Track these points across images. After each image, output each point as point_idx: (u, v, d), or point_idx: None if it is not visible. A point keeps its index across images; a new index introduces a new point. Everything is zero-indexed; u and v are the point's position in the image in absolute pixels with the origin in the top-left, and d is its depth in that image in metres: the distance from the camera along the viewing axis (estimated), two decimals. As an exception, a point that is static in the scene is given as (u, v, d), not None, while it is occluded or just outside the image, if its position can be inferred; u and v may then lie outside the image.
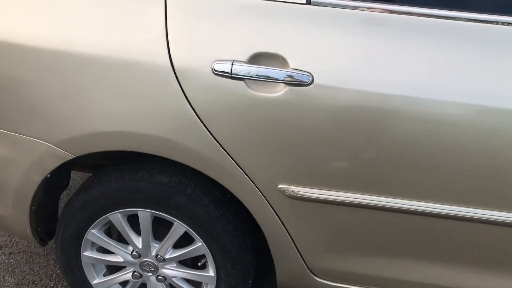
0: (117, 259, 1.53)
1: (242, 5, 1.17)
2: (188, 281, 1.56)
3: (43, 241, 1.60)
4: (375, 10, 1.14)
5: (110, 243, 1.49)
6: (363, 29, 1.14)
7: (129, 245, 1.50)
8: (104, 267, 1.61)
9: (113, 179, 1.38)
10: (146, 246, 1.47)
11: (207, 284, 1.54)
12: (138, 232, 1.47)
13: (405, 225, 1.29)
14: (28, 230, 1.51)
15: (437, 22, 1.12)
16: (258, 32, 1.15)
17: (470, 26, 1.12)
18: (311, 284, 1.46)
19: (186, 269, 1.52)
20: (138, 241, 1.47)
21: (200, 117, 1.19)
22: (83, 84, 1.21)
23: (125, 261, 1.52)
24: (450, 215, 1.22)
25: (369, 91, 1.13)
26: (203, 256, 1.49)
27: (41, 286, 1.89)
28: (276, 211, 1.30)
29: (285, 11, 1.15)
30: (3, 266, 1.97)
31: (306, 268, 1.42)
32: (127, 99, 1.20)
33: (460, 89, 1.11)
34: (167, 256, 1.48)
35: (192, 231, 1.40)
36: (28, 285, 1.89)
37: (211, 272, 1.49)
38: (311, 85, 1.12)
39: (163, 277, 1.54)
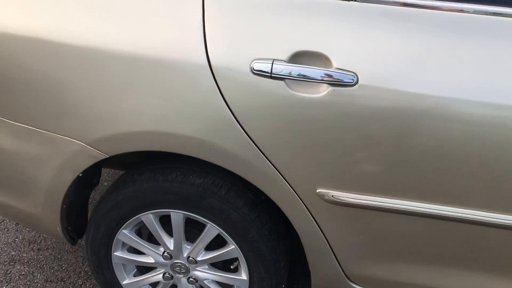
0: (148, 260, 1.51)
1: (283, 2, 1.12)
2: (219, 283, 1.54)
3: (73, 240, 1.60)
4: (424, 7, 1.09)
5: (141, 244, 1.48)
6: (411, 27, 1.09)
7: (161, 246, 1.48)
8: (134, 267, 1.60)
9: (145, 179, 1.36)
10: (178, 248, 1.45)
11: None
12: (169, 233, 1.45)
13: (450, 233, 1.23)
14: (58, 229, 1.50)
15: (492, 19, 1.06)
16: (300, 30, 1.11)
17: None
18: (347, 290, 1.43)
19: (218, 272, 1.49)
20: (170, 243, 1.45)
21: (237, 118, 1.16)
22: (117, 82, 1.19)
23: (156, 262, 1.51)
24: (497, 224, 1.16)
25: (417, 92, 1.07)
26: (235, 259, 1.47)
27: (69, 283, 1.90)
28: (313, 215, 1.26)
29: (328, 7, 1.10)
30: (32, 262, 1.99)
31: (343, 274, 1.38)
32: (162, 98, 1.18)
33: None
34: (199, 258, 1.46)
35: (225, 234, 1.38)
36: (56, 282, 1.90)
37: (243, 275, 1.46)
38: (356, 86, 1.08)
39: (194, 279, 1.52)
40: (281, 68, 1.09)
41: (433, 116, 1.08)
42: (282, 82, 1.11)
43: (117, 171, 2.38)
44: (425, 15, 1.08)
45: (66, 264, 1.99)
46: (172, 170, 1.36)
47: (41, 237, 2.13)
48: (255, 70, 1.11)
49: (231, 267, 1.50)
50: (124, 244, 1.50)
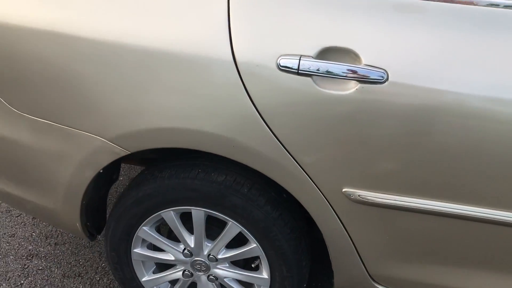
0: (168, 257, 1.51)
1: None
2: (239, 282, 1.54)
3: (92, 236, 1.60)
4: (458, 1, 1.06)
5: (162, 241, 1.48)
6: (443, 22, 1.06)
7: (181, 244, 1.48)
8: (153, 264, 1.60)
9: (167, 176, 1.36)
10: (199, 245, 1.45)
11: (259, 286, 1.51)
12: (190, 230, 1.45)
13: (478, 234, 1.21)
14: (78, 224, 1.50)
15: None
16: (328, 25, 1.09)
17: None
18: (370, 290, 1.41)
19: (239, 270, 1.49)
20: (191, 240, 1.45)
21: (262, 115, 1.14)
22: (140, 78, 1.18)
23: (176, 260, 1.51)
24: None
25: (449, 90, 1.05)
26: (256, 258, 1.46)
27: (87, 279, 1.91)
28: (339, 215, 1.25)
29: (357, 2, 1.08)
30: (49, 257, 2.00)
31: (367, 274, 1.37)
32: (186, 95, 1.17)
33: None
34: (219, 256, 1.46)
35: (247, 232, 1.37)
36: (74, 278, 1.91)
37: (264, 274, 1.45)
38: (386, 83, 1.06)
39: (214, 277, 1.52)
40: (309, 64, 1.08)
41: (465, 115, 1.05)
42: (309, 79, 1.09)
43: (133, 166, 2.39)
44: (459, 10, 1.06)
45: (83, 259, 2.00)
46: (193, 167, 1.35)
47: (58, 231, 2.14)
48: (281, 66, 1.09)
49: (252, 265, 1.50)
50: (144, 240, 1.50)
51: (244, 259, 1.49)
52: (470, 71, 1.04)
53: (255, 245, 1.39)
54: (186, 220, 1.44)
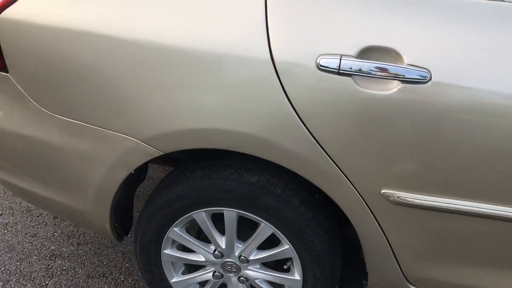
0: (198, 258, 1.51)
1: (348, -6, 1.10)
2: (270, 283, 1.54)
3: (120, 237, 1.61)
4: (502, -1, 1.05)
5: (192, 242, 1.48)
6: (486, 20, 1.05)
7: (211, 244, 1.48)
8: (182, 265, 1.60)
9: (199, 176, 1.36)
10: (230, 246, 1.45)
11: (290, 287, 1.51)
12: (220, 231, 1.45)
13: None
14: (107, 226, 1.51)
15: None
16: (368, 24, 1.08)
17: None
18: (405, 292, 1.41)
19: (271, 272, 1.49)
20: (222, 241, 1.45)
21: (300, 116, 1.14)
22: (176, 79, 1.18)
23: (206, 261, 1.51)
24: None
25: (493, 90, 1.04)
26: (288, 259, 1.46)
27: (111, 279, 1.92)
28: (376, 216, 1.24)
29: (400, 1, 1.08)
30: (72, 257, 2.01)
31: (402, 275, 1.36)
32: (222, 95, 1.16)
33: None
34: (251, 258, 1.46)
35: (280, 233, 1.37)
36: (98, 278, 1.92)
37: (296, 275, 1.45)
38: (429, 83, 1.05)
39: (245, 278, 1.52)
40: (350, 64, 1.07)
41: (508, 115, 1.05)
42: (349, 79, 1.09)
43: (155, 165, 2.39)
44: (504, 8, 1.05)
45: (106, 259, 2.01)
46: (225, 168, 1.35)
47: (80, 231, 2.15)
48: (321, 66, 1.09)
49: (284, 267, 1.50)
50: (173, 241, 1.51)
51: (275, 260, 1.49)
52: (514, 70, 1.03)
53: (288, 246, 1.39)
54: (217, 220, 1.44)
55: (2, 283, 1.88)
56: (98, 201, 1.44)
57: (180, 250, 1.55)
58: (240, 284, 1.54)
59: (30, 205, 2.31)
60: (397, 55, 1.07)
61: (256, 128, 1.18)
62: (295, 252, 1.39)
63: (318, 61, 1.09)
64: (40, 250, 2.04)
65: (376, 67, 1.07)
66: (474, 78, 1.05)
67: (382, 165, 1.16)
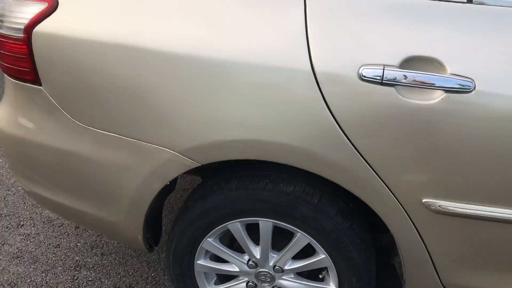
0: (232, 268, 1.52)
1: (391, 4, 1.11)
2: (303, 292, 1.55)
3: (151, 248, 1.61)
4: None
5: (226, 252, 1.49)
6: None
7: (245, 254, 1.49)
8: (215, 275, 1.61)
9: (234, 187, 1.37)
10: (265, 256, 1.46)
11: (324, 296, 1.52)
12: (254, 241, 1.46)
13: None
14: (139, 237, 1.52)
15: None
16: (411, 34, 1.09)
17: None
18: (442, 300, 1.42)
19: (305, 281, 1.50)
20: (256, 251, 1.46)
21: (341, 126, 1.15)
22: (215, 91, 1.19)
23: (240, 271, 1.52)
24: None
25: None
26: (322, 268, 1.47)
27: (138, 289, 1.93)
28: (416, 225, 1.25)
29: (442, 10, 1.09)
30: (97, 268, 2.02)
31: (440, 283, 1.37)
32: (261, 106, 1.17)
33: None
34: (286, 267, 1.47)
35: (316, 243, 1.38)
36: (125, 288, 1.93)
37: (332, 285, 1.46)
38: (472, 92, 1.06)
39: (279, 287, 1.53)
40: (394, 74, 1.08)
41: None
42: (392, 89, 1.10)
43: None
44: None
45: (132, 269, 2.02)
46: (260, 178, 1.36)
47: (103, 241, 2.16)
48: (364, 76, 1.09)
49: (320, 276, 1.51)
50: (207, 252, 1.51)
51: (309, 270, 1.50)
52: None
53: (324, 256, 1.40)
54: (250, 230, 1.45)
55: (28, 294, 1.90)
56: (131, 212, 1.45)
57: (213, 260, 1.56)
58: (274, 294, 1.55)
59: (51, 215, 2.32)
60: (440, 65, 1.08)
61: (296, 139, 1.19)
62: (331, 262, 1.40)
63: (360, 71, 1.10)
64: (65, 261, 2.05)
65: (420, 77, 1.08)
66: (518, 87, 1.06)
67: (424, 175, 1.17)
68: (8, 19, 1.34)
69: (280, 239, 1.46)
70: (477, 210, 1.18)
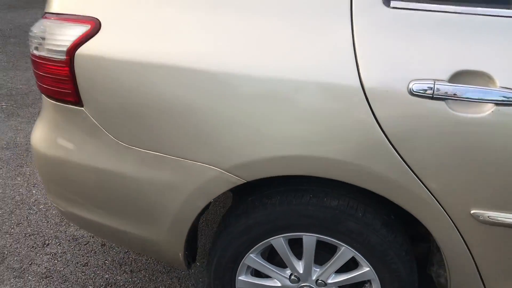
0: (273, 283, 1.53)
1: (437, 20, 1.13)
2: (345, 305, 1.56)
3: (189, 265, 1.62)
4: None
5: (268, 267, 1.50)
6: None
7: (287, 269, 1.50)
8: (255, 290, 1.62)
9: (278, 202, 1.38)
10: (307, 271, 1.47)
11: (367, 309, 1.53)
12: (296, 255, 1.47)
13: None
14: (180, 254, 1.53)
15: None
16: (459, 49, 1.12)
17: None
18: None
19: (348, 294, 1.51)
20: (299, 265, 1.47)
21: (391, 140, 1.17)
22: (262, 108, 1.21)
23: (283, 286, 1.53)
24: None
25: None
26: (365, 280, 1.48)
27: (171, 306, 1.93)
28: (464, 237, 1.27)
29: (489, 25, 1.11)
30: (128, 285, 2.02)
31: (485, 293, 1.39)
32: (311, 123, 1.19)
33: None
34: (329, 281, 1.48)
35: (361, 256, 1.39)
36: (158, 306, 1.93)
37: (375, 297, 1.48)
38: (523, 105, 1.08)
39: (321, 301, 1.54)
40: (445, 88, 1.10)
41: None
42: (443, 103, 1.12)
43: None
44: None
45: (162, 285, 2.02)
46: (304, 192, 1.38)
47: (131, 258, 2.17)
48: (414, 91, 1.12)
49: (363, 289, 1.52)
50: (248, 267, 1.53)
51: (352, 282, 1.51)
52: None
53: (368, 269, 1.41)
54: (292, 244, 1.46)
55: (60, 314, 1.90)
56: (174, 230, 1.46)
57: (253, 276, 1.57)
58: (316, 308, 1.56)
59: (75, 232, 2.33)
60: (489, 78, 1.10)
61: (345, 154, 1.21)
62: (376, 274, 1.41)
63: (410, 86, 1.12)
64: (94, 279, 2.06)
65: (470, 91, 1.10)
66: None
67: (473, 186, 1.18)
68: (48, 42, 1.35)
69: (321, 253, 1.48)
70: (526, 220, 1.21)
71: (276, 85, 1.19)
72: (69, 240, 2.28)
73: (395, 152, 1.18)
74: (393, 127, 1.16)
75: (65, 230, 2.35)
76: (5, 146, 3.16)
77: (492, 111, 1.10)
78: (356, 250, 1.38)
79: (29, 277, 2.06)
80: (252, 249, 1.46)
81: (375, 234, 1.35)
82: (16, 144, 3.19)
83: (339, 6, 1.17)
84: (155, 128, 1.32)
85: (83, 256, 2.19)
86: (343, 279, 1.47)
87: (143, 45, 1.27)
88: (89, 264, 2.14)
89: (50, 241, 2.29)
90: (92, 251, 2.22)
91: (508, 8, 1.12)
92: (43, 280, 2.05)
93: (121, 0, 1.31)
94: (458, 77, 1.12)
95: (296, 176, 1.30)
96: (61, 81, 1.37)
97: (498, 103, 1.10)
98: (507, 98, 1.09)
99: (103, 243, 2.26)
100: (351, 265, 1.48)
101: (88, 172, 1.48)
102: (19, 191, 2.68)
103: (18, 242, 2.27)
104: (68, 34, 1.33)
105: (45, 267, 2.12)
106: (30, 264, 2.14)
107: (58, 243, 2.27)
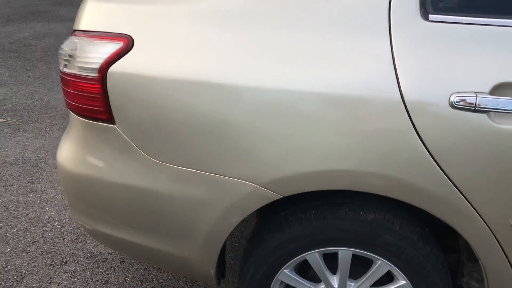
0: (307, 298, 1.53)
1: (477, 33, 1.15)
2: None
3: (219, 281, 1.62)
4: None
5: (303, 283, 1.50)
6: None
7: (321, 284, 1.50)
8: (287, 306, 1.62)
9: (313, 217, 1.38)
10: (342, 285, 1.47)
11: (402, 322, 1.53)
12: (330, 269, 1.47)
13: None
14: (212, 271, 1.52)
15: None
16: (500, 61, 1.13)
17: None
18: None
19: (384, 308, 1.51)
20: (334, 280, 1.47)
21: (432, 154, 1.18)
22: (299, 122, 1.21)
23: (316, 301, 1.53)
24: None
25: None
26: (400, 294, 1.48)
27: (197, 323, 1.92)
28: (503, 247, 1.27)
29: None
30: (151, 303, 2.01)
31: (523, 304, 1.39)
32: (350, 137, 1.20)
33: None
34: (364, 295, 1.48)
35: (397, 270, 1.39)
36: (183, 323, 1.92)
37: (411, 310, 1.47)
38: None
39: (356, 316, 1.54)
40: (486, 101, 1.12)
41: None
42: (484, 115, 1.13)
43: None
44: None
45: (186, 302, 2.01)
46: (338, 206, 1.38)
47: (152, 274, 2.16)
48: (456, 104, 1.13)
49: (400, 302, 1.52)
50: (281, 283, 1.52)
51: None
52: None
53: (404, 282, 1.41)
54: (326, 258, 1.46)
55: (84, 334, 1.88)
56: (206, 247, 1.46)
57: (285, 291, 1.57)
58: (351, 322, 1.56)
59: (93, 249, 2.32)
60: (530, 90, 1.11)
61: (385, 167, 1.21)
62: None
63: (452, 99, 1.13)
64: (116, 297, 2.05)
65: (513, 103, 1.11)
66: None
67: (514, 197, 1.20)
68: (79, 59, 1.36)
69: (355, 267, 1.48)
70: None
71: (315, 100, 1.19)
72: (87, 257, 2.27)
73: (436, 165, 1.19)
74: (434, 140, 1.17)
75: (82, 247, 2.34)
76: (14, 162, 3.15)
77: (534, 125, 1.12)
78: (393, 263, 1.38)
79: (50, 296, 2.05)
80: (286, 265, 1.45)
81: (412, 247, 1.35)
82: (25, 160, 3.18)
83: (378, 22, 1.18)
84: (189, 145, 1.32)
85: (102, 273, 2.18)
86: (379, 292, 1.47)
87: (177, 61, 1.27)
88: (109, 282, 2.13)
89: (68, 258, 2.27)
90: (112, 268, 2.20)
91: (549, 20, 1.14)
92: (64, 299, 2.04)
93: (154, 17, 1.31)
94: (499, 89, 1.13)
95: (330, 189, 1.31)
96: (93, 98, 1.37)
97: (540, 115, 1.11)
98: (550, 109, 1.10)
99: (122, 260, 2.25)
100: (384, 278, 1.48)
101: (119, 190, 1.48)
102: (32, 208, 2.66)
103: (35, 261, 2.25)
104: (100, 52, 1.33)
105: (65, 286, 2.10)
106: (50, 283, 2.12)
107: (76, 261, 2.25)
